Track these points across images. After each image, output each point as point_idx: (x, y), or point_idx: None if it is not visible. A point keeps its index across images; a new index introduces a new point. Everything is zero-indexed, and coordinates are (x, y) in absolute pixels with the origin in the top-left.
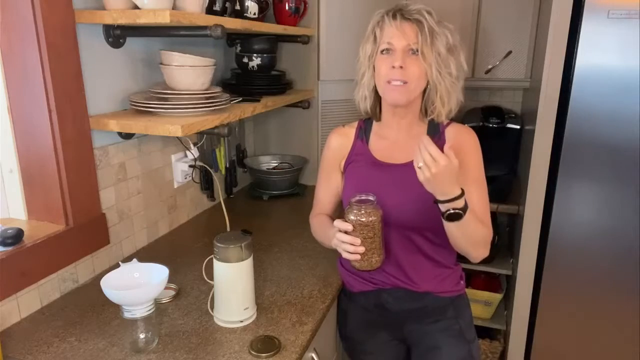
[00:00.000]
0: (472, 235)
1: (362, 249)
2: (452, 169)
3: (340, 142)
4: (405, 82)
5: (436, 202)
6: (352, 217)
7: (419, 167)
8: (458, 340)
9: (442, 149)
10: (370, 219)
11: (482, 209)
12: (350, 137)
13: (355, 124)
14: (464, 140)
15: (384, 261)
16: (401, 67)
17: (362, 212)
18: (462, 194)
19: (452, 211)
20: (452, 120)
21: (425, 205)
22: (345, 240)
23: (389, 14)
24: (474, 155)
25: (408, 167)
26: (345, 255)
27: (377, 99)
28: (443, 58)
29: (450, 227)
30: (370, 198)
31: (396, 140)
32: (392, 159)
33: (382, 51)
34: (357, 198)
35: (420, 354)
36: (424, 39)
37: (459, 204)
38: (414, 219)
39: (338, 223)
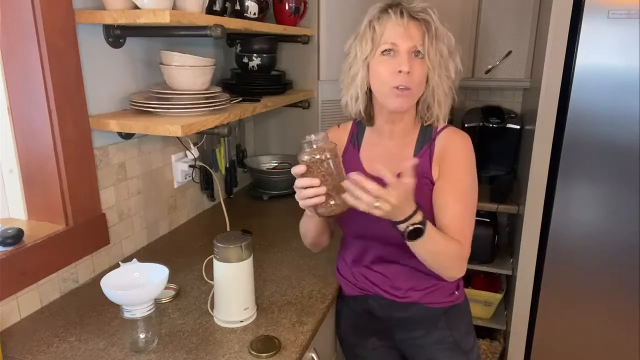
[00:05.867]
0: (440, 252)
1: (323, 189)
2: (407, 191)
3: None
4: (409, 89)
5: (394, 225)
6: (305, 158)
7: (376, 207)
8: (454, 352)
9: (430, 158)
10: (325, 154)
11: (458, 223)
12: (343, 140)
13: (349, 125)
14: (451, 147)
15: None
16: (408, 72)
17: (314, 147)
18: (417, 208)
19: (411, 228)
20: (453, 119)
21: None
22: (304, 183)
23: (394, 10)
24: (460, 162)
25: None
26: (309, 202)
27: (370, 100)
28: (445, 60)
29: (414, 247)
30: (320, 135)
31: (387, 148)
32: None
33: (383, 52)
34: (307, 139)
35: None
36: (430, 41)
37: (417, 218)
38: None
39: (293, 169)
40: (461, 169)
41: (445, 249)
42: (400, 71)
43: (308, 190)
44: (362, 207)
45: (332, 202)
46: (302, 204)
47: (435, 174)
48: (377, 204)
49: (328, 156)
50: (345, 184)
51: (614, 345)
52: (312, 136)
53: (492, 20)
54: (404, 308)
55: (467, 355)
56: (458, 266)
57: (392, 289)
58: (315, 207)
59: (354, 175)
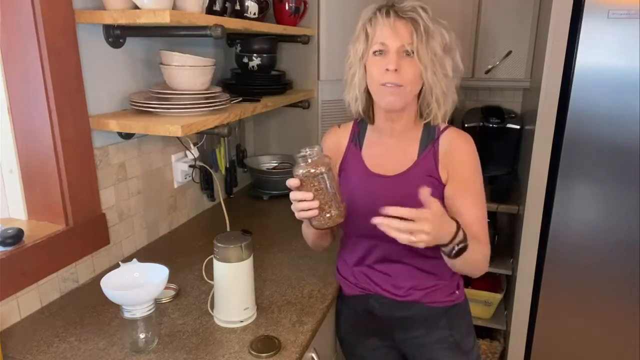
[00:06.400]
0: (473, 259)
1: (316, 204)
2: (440, 214)
3: (334, 144)
4: (400, 86)
5: (440, 248)
6: (300, 172)
7: (414, 240)
8: (453, 352)
9: (435, 157)
10: (319, 169)
11: (479, 223)
12: (344, 139)
13: (350, 124)
14: (458, 149)
15: (345, 215)
16: (396, 70)
17: (309, 161)
18: (459, 225)
19: (457, 248)
20: (453, 120)
21: None
22: (298, 197)
23: (381, 11)
24: (469, 163)
25: (399, 179)
26: (303, 215)
27: (369, 100)
28: (439, 58)
29: (455, 261)
30: (315, 149)
31: (389, 147)
32: (384, 169)
33: (374, 52)
34: (302, 153)
35: None
36: (420, 39)
37: (460, 236)
38: None
39: (288, 182)
40: (472, 171)
41: (479, 254)
42: (388, 69)
43: (302, 204)
44: (400, 238)
45: (327, 215)
46: (297, 215)
47: (443, 174)
48: (413, 239)
49: (322, 170)
50: (377, 220)
51: (614, 345)
52: (307, 150)
53: (492, 20)
54: (405, 307)
55: (467, 356)
56: (484, 266)
57: (394, 287)
58: (309, 219)
59: (386, 210)
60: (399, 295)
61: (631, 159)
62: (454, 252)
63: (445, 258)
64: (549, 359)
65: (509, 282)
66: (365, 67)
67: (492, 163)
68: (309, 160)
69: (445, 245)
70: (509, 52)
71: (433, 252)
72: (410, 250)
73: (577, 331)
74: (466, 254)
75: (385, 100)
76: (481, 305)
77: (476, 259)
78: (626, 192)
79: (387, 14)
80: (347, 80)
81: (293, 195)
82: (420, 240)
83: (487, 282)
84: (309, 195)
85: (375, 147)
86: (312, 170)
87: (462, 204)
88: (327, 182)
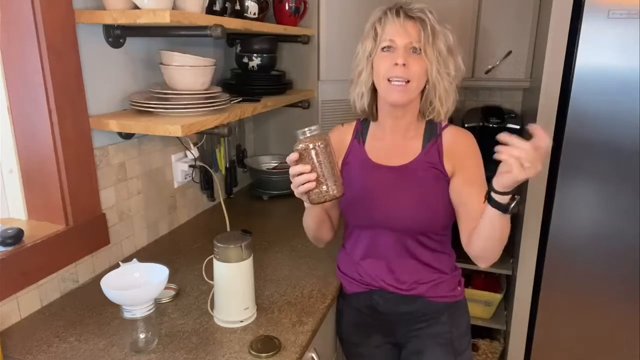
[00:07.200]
0: (507, 230)
1: (313, 176)
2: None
3: (338, 141)
4: (407, 81)
5: (491, 197)
6: (299, 146)
7: (528, 167)
8: (445, 349)
9: (439, 151)
10: (317, 143)
11: None
12: (347, 136)
13: (354, 123)
14: (461, 144)
15: (342, 191)
16: (404, 64)
17: (308, 136)
18: None
19: (517, 198)
20: (452, 119)
21: (419, 209)
22: (297, 170)
23: (391, 10)
24: (474, 157)
25: (403, 170)
26: (300, 189)
27: (374, 97)
28: (443, 58)
29: (502, 221)
30: (314, 127)
31: (392, 142)
32: (387, 161)
33: (383, 48)
34: (302, 130)
35: (405, 356)
36: (427, 38)
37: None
38: (409, 223)
39: (288, 157)
40: (478, 163)
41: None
42: (396, 64)
43: (300, 177)
44: (514, 164)
45: (323, 188)
46: (296, 192)
47: (448, 168)
48: (524, 173)
49: (319, 145)
50: (502, 136)
51: (614, 345)
52: (307, 128)
53: (492, 20)
54: (408, 301)
55: (457, 358)
56: (501, 248)
57: (397, 282)
58: (307, 194)
59: (502, 136)
60: (403, 289)
61: (631, 159)
62: (515, 202)
63: (496, 220)
64: (549, 359)
65: (509, 282)
66: (372, 64)
67: (492, 163)
68: (307, 135)
69: (507, 193)
70: (509, 52)
71: (434, 244)
72: (415, 240)
73: (577, 331)
74: (508, 220)
75: (391, 96)
76: (481, 305)
77: (507, 232)
78: (626, 192)
79: (397, 13)
80: (353, 78)
81: (292, 169)
82: (529, 174)
83: (487, 282)
84: (307, 167)
85: (379, 142)
86: (310, 145)
87: (472, 193)
88: (325, 156)
